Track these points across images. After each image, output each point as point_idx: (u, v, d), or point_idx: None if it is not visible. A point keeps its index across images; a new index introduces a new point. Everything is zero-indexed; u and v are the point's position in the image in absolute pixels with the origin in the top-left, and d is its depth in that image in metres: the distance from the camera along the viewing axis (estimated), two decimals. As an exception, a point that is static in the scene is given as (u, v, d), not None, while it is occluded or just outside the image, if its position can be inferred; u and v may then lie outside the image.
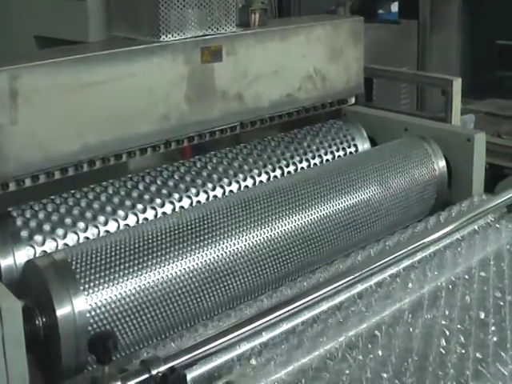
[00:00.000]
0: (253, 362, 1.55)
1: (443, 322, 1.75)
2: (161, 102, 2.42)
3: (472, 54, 6.06)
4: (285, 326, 1.73)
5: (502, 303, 1.85)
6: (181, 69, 2.45)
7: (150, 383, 1.31)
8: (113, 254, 1.87)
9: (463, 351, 1.64)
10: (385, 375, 1.54)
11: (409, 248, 2.02)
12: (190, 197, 2.33)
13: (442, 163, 2.66)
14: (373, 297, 1.87)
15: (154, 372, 1.33)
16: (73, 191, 2.22)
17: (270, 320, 1.67)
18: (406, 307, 1.84)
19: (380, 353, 1.62)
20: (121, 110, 2.32)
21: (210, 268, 1.97)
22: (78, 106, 2.23)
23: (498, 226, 2.27)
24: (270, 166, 2.55)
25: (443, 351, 1.64)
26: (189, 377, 1.48)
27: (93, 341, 1.27)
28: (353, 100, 3.09)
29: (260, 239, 2.08)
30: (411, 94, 4.93)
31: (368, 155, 2.67)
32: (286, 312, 1.72)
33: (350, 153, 2.77)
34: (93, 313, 1.77)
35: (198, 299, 1.94)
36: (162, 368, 1.34)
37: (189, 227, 2.00)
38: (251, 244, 2.06)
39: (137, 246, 1.91)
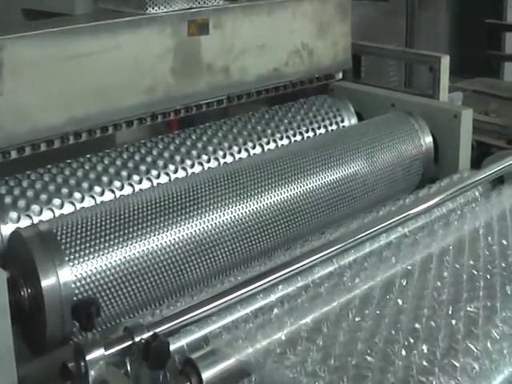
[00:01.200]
0: (240, 330, 1.54)
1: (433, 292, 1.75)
2: (147, 75, 2.41)
3: (460, 33, 6.06)
4: (273, 295, 1.73)
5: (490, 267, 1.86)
6: (167, 41, 2.43)
7: (133, 350, 1.32)
8: (98, 224, 1.87)
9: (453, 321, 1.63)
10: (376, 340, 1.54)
11: (390, 221, 2.00)
12: (176, 169, 2.32)
13: (429, 139, 2.66)
14: (362, 265, 1.87)
15: (137, 339, 1.33)
16: (59, 164, 2.21)
17: (256, 288, 1.66)
18: (398, 275, 1.83)
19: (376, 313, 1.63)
20: (107, 82, 2.31)
21: (196, 240, 1.97)
22: (64, 78, 2.22)
23: (483, 200, 2.26)
24: (256, 140, 2.54)
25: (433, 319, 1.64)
26: (174, 344, 1.50)
27: (76, 307, 1.27)
28: (340, 75, 3.09)
29: (246, 212, 2.08)
30: (399, 72, 4.92)
31: (354, 130, 2.66)
32: (275, 278, 1.72)
33: (337, 127, 2.76)
34: (78, 283, 1.77)
35: (184, 271, 1.94)
36: (146, 335, 1.34)
37: (175, 199, 2.00)
38: (237, 216, 2.06)
39: (122, 217, 1.91)
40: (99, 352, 1.25)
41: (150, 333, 1.36)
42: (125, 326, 1.40)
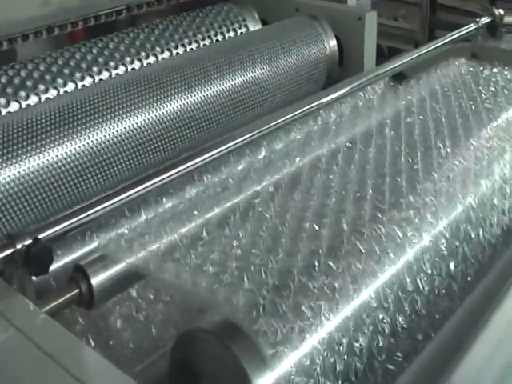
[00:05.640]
0: (134, 233, 1.49)
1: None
2: (40, -14, 2.32)
3: None
4: (168, 197, 1.67)
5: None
6: (60, -51, 2.34)
7: (15, 258, 1.28)
8: (-11, 140, 1.81)
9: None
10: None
11: (298, 111, 1.96)
12: (75, 81, 2.25)
13: (333, 42, 2.62)
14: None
15: (18, 246, 1.29)
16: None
17: (150, 187, 1.56)
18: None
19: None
20: (-2, -6, 2.22)
21: (94, 151, 1.91)
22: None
23: (386, 95, 2.25)
24: (158, 49, 2.47)
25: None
26: (66, 254, 1.47)
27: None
28: (243, -18, 3.01)
29: (144, 120, 2.02)
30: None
31: (256, 34, 2.61)
32: (170, 176, 1.61)
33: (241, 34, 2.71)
34: (-28, 201, 1.71)
35: (82, 183, 1.88)
36: (28, 242, 1.30)
37: (70, 110, 1.93)
38: (135, 125, 2.00)
39: (15, 131, 1.83)
40: (-21, 261, 1.21)
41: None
42: (7, 234, 1.36)
